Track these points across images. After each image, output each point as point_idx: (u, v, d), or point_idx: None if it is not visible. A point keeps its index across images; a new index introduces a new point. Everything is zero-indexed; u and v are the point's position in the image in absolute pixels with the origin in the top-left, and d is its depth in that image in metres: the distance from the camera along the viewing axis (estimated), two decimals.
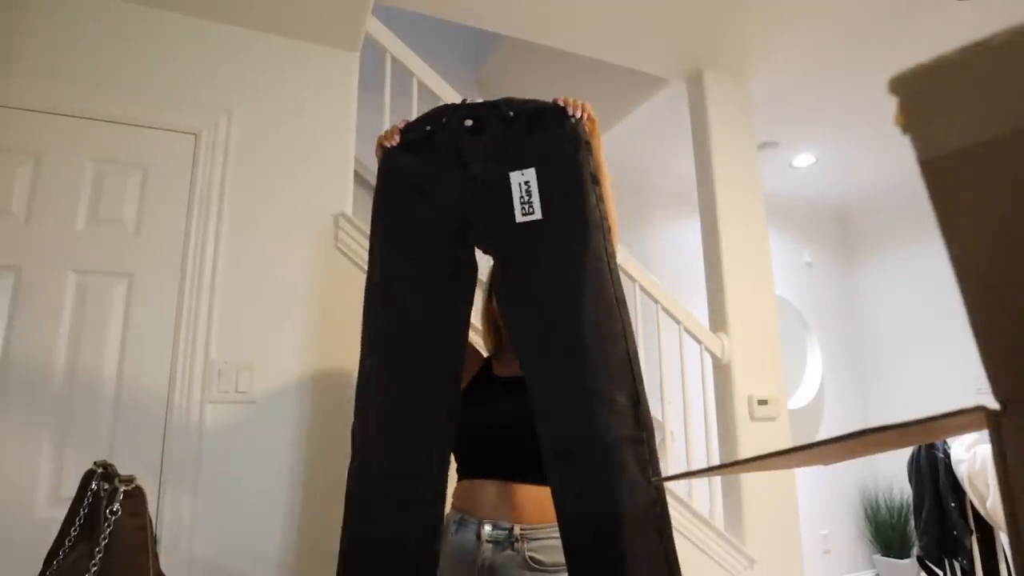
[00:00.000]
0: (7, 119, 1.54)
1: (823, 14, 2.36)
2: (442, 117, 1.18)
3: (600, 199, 1.13)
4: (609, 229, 1.13)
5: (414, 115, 2.03)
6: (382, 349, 1.15)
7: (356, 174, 2.03)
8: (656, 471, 1.04)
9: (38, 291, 1.50)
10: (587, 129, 1.15)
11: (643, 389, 1.08)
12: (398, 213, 1.19)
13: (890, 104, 0.25)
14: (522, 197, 1.11)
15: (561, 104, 1.14)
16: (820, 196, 4.37)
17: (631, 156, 3.59)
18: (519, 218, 1.11)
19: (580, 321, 1.05)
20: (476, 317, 1.54)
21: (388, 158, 1.22)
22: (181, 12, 1.75)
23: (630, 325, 1.11)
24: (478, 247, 1.17)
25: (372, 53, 2.07)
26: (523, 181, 1.12)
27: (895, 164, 3.82)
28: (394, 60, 2.04)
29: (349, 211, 1.84)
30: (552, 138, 1.13)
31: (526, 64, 3.06)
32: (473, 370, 1.32)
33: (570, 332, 1.05)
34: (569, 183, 1.11)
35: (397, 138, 1.20)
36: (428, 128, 1.19)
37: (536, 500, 1.11)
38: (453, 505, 1.22)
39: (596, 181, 1.13)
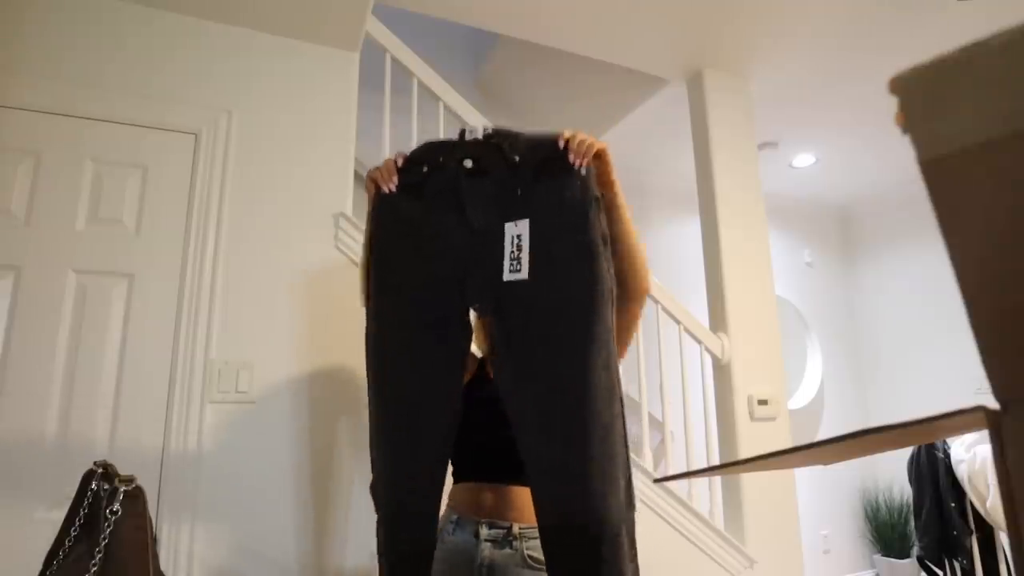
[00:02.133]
0: (7, 119, 1.54)
1: (823, 14, 2.36)
2: (439, 155, 1.08)
3: (611, 261, 1.02)
4: (612, 294, 1.02)
5: (414, 116, 2.03)
6: (379, 410, 1.10)
7: (356, 174, 2.04)
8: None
9: (38, 291, 1.50)
10: (595, 164, 1.04)
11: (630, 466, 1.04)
12: (393, 265, 1.10)
13: (890, 104, 0.25)
14: (512, 252, 1.00)
15: (563, 142, 1.02)
16: (820, 196, 4.37)
17: (631, 156, 3.59)
18: (506, 275, 1.00)
19: (584, 402, 0.96)
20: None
21: (383, 204, 1.11)
22: (181, 12, 1.75)
23: (623, 403, 1.03)
24: (473, 308, 1.07)
25: (372, 53, 2.07)
26: (516, 234, 1.01)
27: (895, 164, 3.82)
28: (394, 60, 2.04)
29: (349, 211, 1.84)
30: (559, 192, 1.02)
31: (526, 64, 3.06)
32: (471, 371, 1.32)
33: (574, 413, 0.97)
34: (574, 245, 1.00)
35: (395, 181, 1.09)
36: (425, 169, 1.08)
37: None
38: (449, 506, 1.22)
39: (607, 243, 1.02)
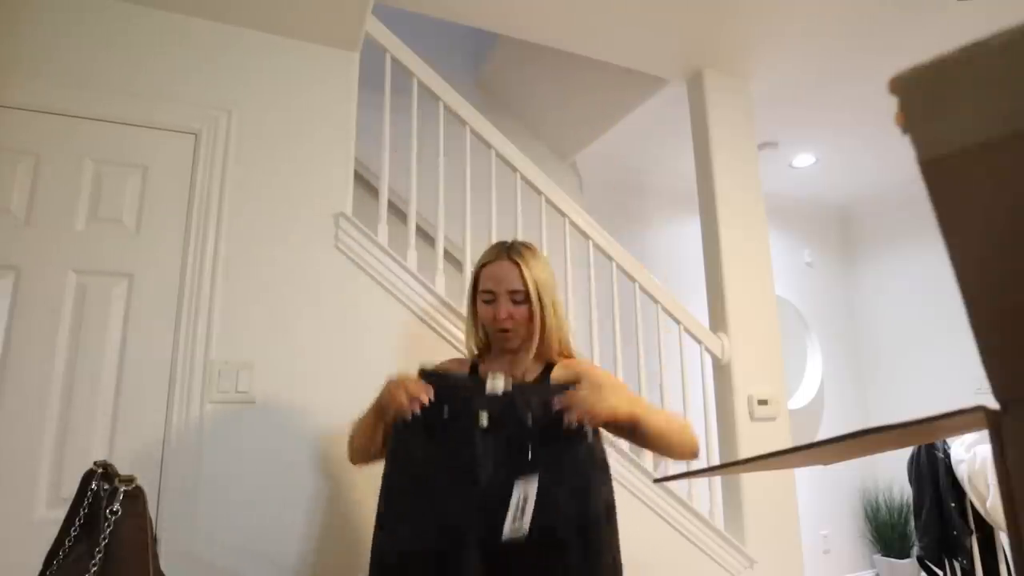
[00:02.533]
0: (7, 119, 1.54)
1: (823, 14, 2.36)
2: (459, 402, 1.10)
3: (615, 532, 1.10)
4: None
5: (414, 116, 2.03)
6: None
7: (356, 174, 2.04)
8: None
9: (38, 291, 1.50)
10: (605, 424, 1.10)
11: None
12: (398, 504, 1.12)
13: (890, 104, 0.25)
14: (515, 513, 1.02)
15: (560, 407, 1.04)
16: (820, 196, 4.37)
17: (631, 156, 3.59)
18: (506, 532, 1.01)
19: None
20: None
21: (398, 437, 1.14)
22: (181, 12, 1.75)
23: None
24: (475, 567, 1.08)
25: (372, 53, 2.07)
26: (523, 495, 1.03)
27: (895, 164, 3.82)
28: (394, 60, 2.04)
29: (349, 211, 1.84)
30: (567, 458, 1.08)
31: (526, 64, 3.06)
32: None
33: None
34: (577, 515, 1.05)
35: (417, 406, 1.08)
36: (446, 412, 1.10)
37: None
38: None
39: (609, 517, 1.10)
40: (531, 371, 1.28)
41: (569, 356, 1.32)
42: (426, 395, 1.09)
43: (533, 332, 1.24)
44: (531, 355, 1.26)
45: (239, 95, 1.79)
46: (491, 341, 1.33)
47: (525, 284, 1.22)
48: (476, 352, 1.37)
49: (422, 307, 1.86)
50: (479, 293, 1.27)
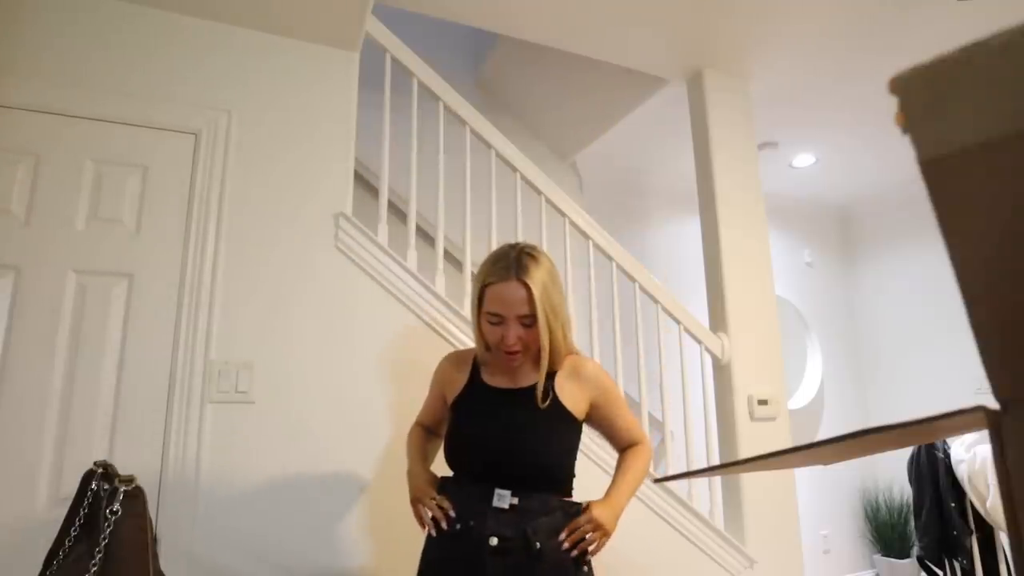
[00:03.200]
0: (7, 119, 1.54)
1: (823, 14, 2.36)
2: (473, 518, 1.17)
3: None
4: None
5: (414, 116, 2.03)
6: None
7: (356, 174, 2.04)
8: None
9: (38, 291, 1.50)
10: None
11: None
12: None
13: (890, 104, 0.24)
14: None
15: (568, 544, 1.16)
16: (820, 196, 4.37)
17: (631, 156, 3.59)
18: None
19: None
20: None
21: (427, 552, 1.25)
22: (181, 12, 1.75)
23: None
24: None
25: (372, 53, 2.07)
26: None
27: (895, 164, 3.82)
28: (394, 60, 2.04)
29: (349, 211, 1.84)
30: None
31: (526, 64, 3.06)
32: (463, 378, 1.32)
33: None
34: None
35: (434, 528, 1.20)
36: (458, 527, 1.18)
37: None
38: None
39: None
40: (534, 378, 1.26)
41: (569, 353, 1.31)
42: (446, 522, 1.19)
43: (542, 351, 1.21)
44: (542, 379, 1.24)
45: (239, 95, 1.79)
46: (493, 353, 1.28)
47: (534, 308, 1.17)
48: (481, 354, 1.32)
49: (422, 307, 1.86)
50: (484, 313, 1.21)
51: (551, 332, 1.20)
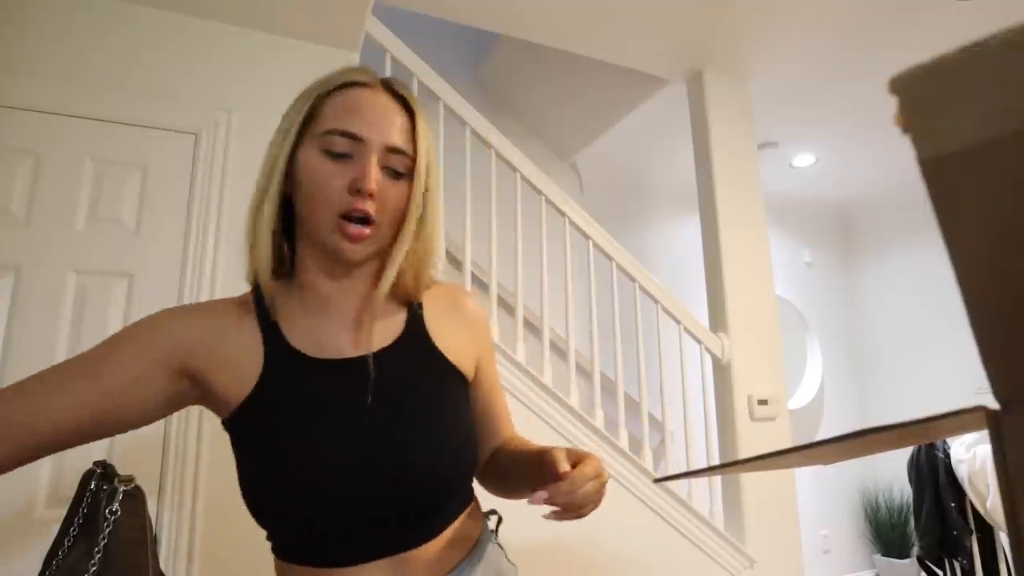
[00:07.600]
0: (7, 119, 1.54)
1: (823, 14, 2.36)
2: None
3: None
4: None
5: None
6: None
7: None
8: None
9: (38, 291, 1.50)
10: None
11: None
12: None
13: (890, 104, 0.25)
14: None
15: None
16: (820, 196, 4.37)
17: (631, 156, 3.59)
18: None
19: None
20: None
21: None
22: (181, 12, 1.75)
23: None
24: None
25: (372, 53, 2.07)
26: None
27: (895, 164, 3.82)
28: (394, 60, 2.04)
29: None
30: None
31: (526, 64, 3.06)
32: (247, 347, 0.76)
33: None
34: None
35: None
36: None
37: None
38: None
39: None
40: (388, 319, 0.73)
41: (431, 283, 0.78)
42: None
43: (402, 236, 0.68)
44: (387, 285, 0.69)
45: (239, 95, 1.79)
46: (309, 248, 0.69)
47: (415, 144, 0.69)
48: (266, 277, 0.68)
49: None
50: (314, 136, 0.66)
51: (426, 205, 0.70)
